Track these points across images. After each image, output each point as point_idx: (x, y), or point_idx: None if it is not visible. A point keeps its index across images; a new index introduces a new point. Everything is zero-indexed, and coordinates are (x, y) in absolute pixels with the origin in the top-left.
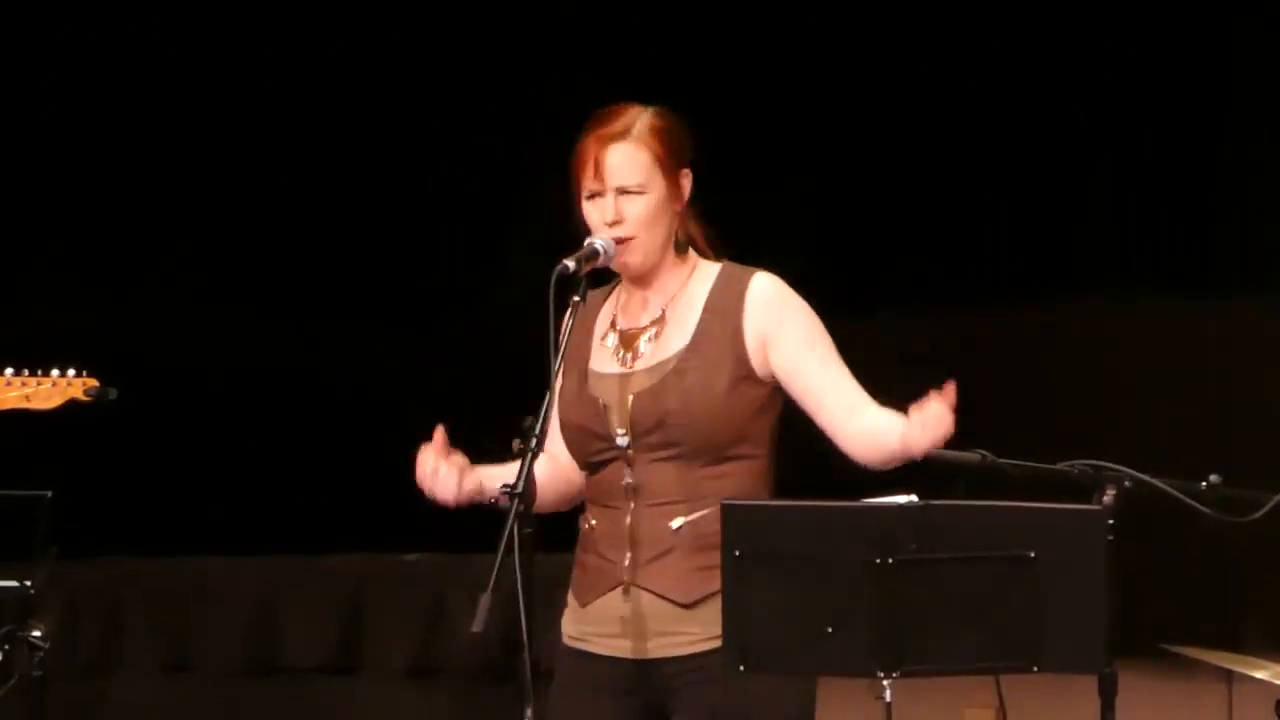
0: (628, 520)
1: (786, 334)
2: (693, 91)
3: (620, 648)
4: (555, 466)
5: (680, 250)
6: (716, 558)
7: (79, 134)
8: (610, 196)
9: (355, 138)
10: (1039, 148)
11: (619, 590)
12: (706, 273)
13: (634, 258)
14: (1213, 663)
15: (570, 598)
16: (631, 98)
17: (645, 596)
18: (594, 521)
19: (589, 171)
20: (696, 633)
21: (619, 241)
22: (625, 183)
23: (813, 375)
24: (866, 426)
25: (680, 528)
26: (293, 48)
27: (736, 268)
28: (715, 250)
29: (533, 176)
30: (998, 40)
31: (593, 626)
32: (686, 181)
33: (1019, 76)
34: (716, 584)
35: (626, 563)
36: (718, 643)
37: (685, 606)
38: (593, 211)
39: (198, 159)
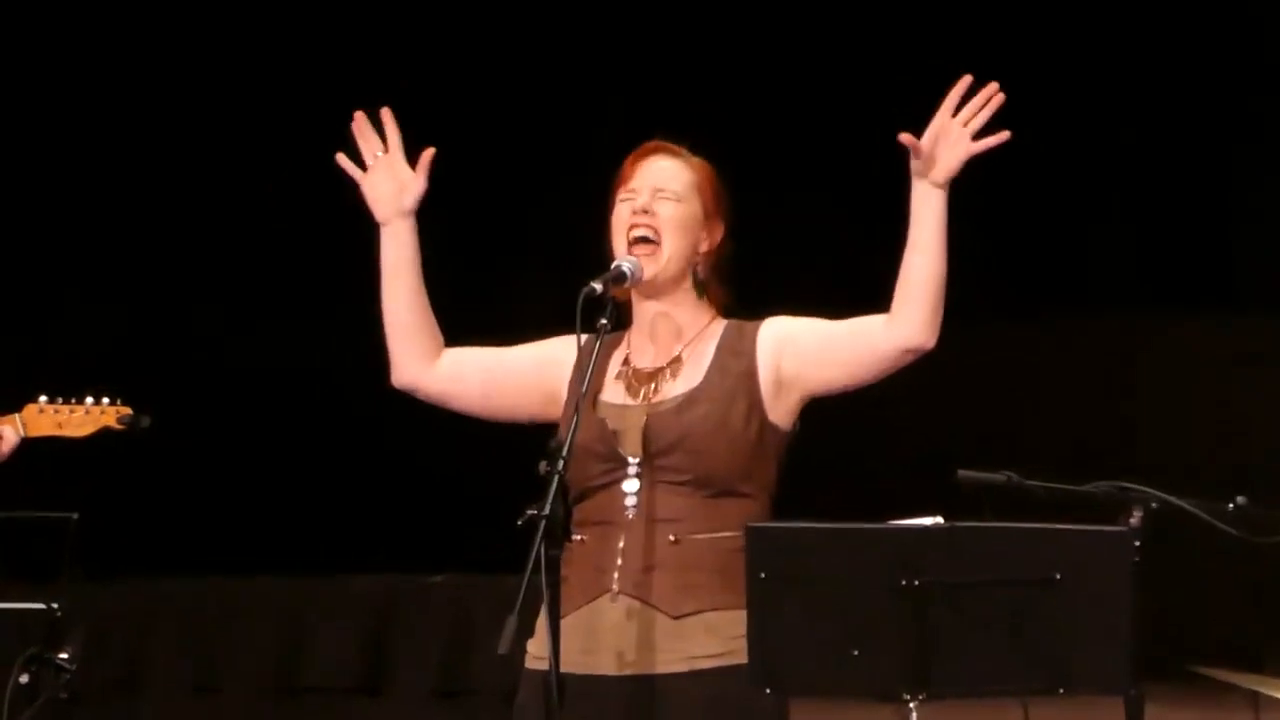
0: (623, 536)
1: (789, 325)
2: (711, 109)
3: (600, 664)
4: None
5: (700, 296)
6: (705, 578)
7: (89, 157)
8: (645, 194)
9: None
10: (1060, 167)
11: (605, 598)
12: (719, 325)
13: (650, 267)
14: (1240, 684)
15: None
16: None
17: (632, 605)
18: (583, 538)
19: (626, 178)
20: (686, 650)
21: (641, 242)
22: (664, 185)
23: (823, 324)
24: (896, 296)
25: (677, 542)
26: (306, 62)
27: (743, 321)
28: (731, 313)
29: (546, 194)
30: (1016, 59)
31: (572, 641)
32: (719, 232)
33: (1040, 95)
34: (707, 602)
35: (617, 573)
36: (710, 662)
37: (674, 619)
38: (622, 212)
39: (218, 182)
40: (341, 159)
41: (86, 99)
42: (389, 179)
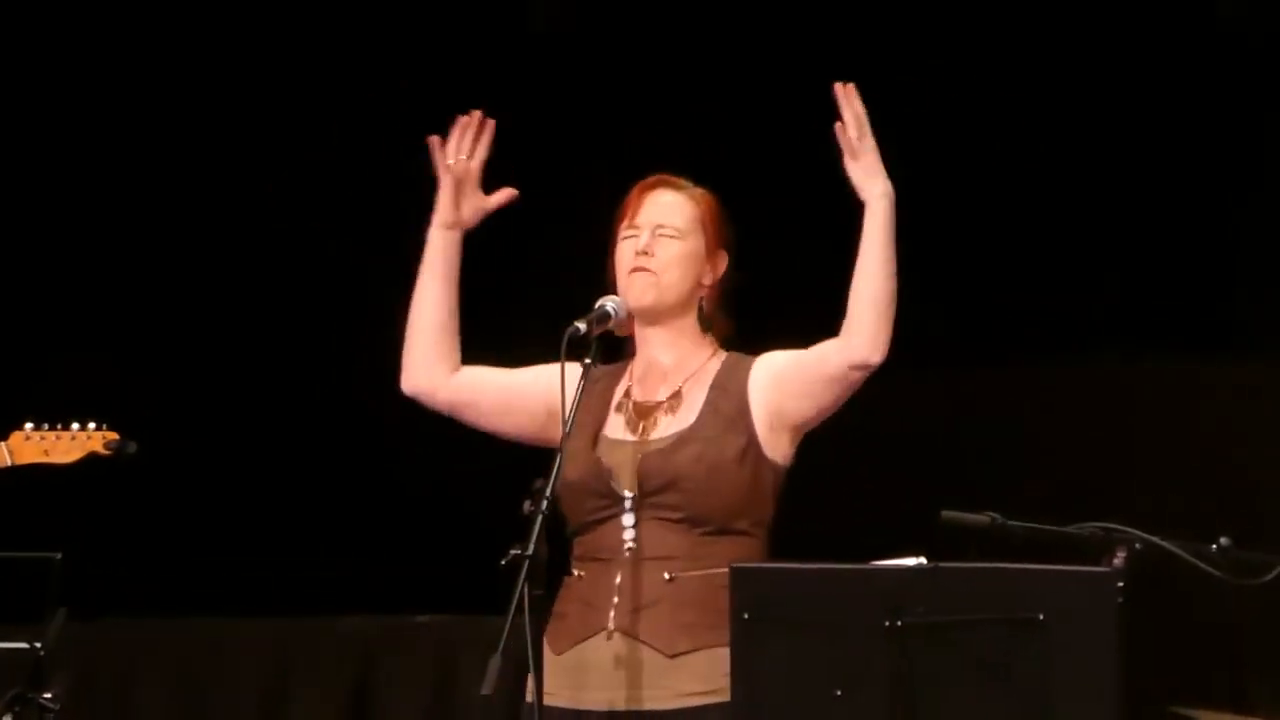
0: (619, 572)
1: (777, 362)
2: (714, 136)
3: (596, 700)
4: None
5: (704, 331)
6: (703, 615)
7: (87, 184)
8: (646, 233)
9: (363, 184)
10: (1054, 205)
11: (601, 635)
12: (719, 359)
13: (647, 296)
14: None
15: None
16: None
17: (628, 643)
18: (581, 573)
19: (629, 213)
20: (678, 687)
21: (637, 270)
22: (664, 222)
23: (798, 354)
24: (848, 314)
25: (672, 580)
26: (303, 88)
27: (741, 355)
28: (731, 345)
29: (542, 232)
30: (1015, 96)
31: (566, 677)
32: (722, 264)
33: (1034, 131)
34: (701, 640)
35: (613, 610)
36: (699, 699)
37: (669, 657)
38: (624, 250)
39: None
40: (434, 143)
41: (81, 102)
42: (467, 189)
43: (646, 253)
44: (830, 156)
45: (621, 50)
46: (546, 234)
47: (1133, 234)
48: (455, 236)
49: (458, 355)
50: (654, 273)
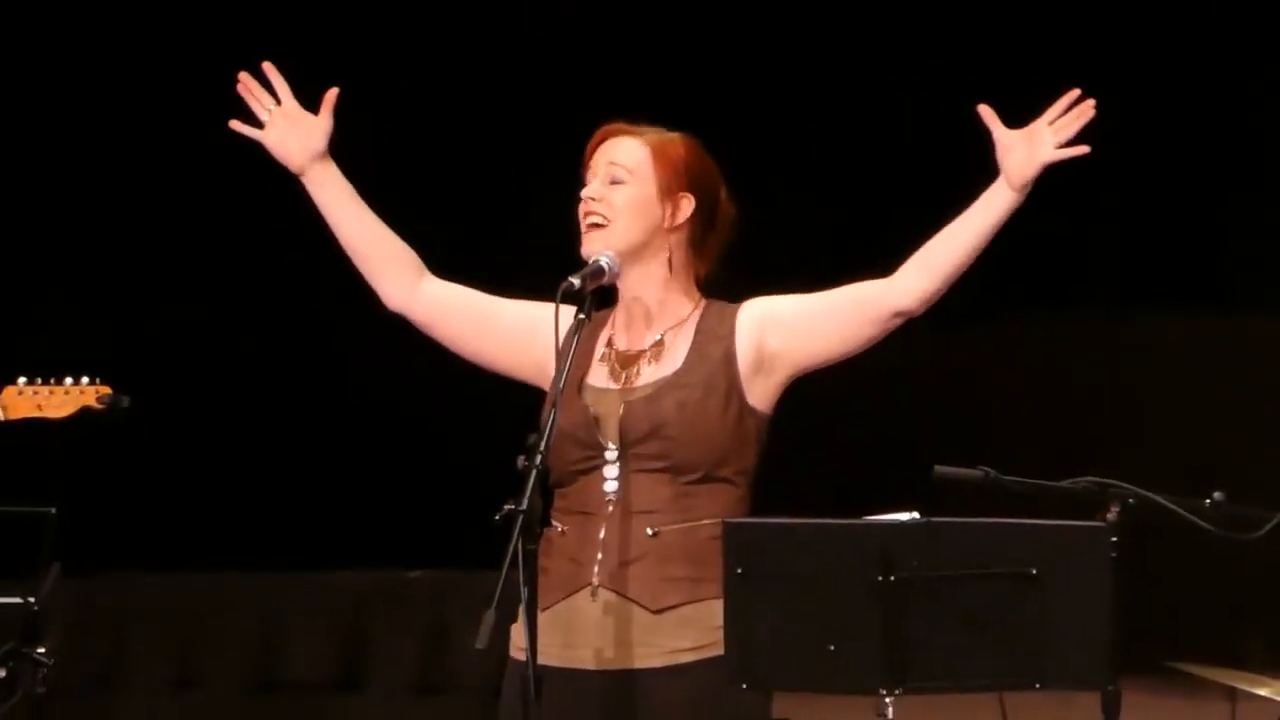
0: (603, 527)
1: (771, 303)
2: (707, 92)
3: (580, 658)
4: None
5: (677, 275)
6: (689, 569)
7: (86, 150)
8: (596, 180)
9: (357, 153)
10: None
11: (585, 592)
12: (702, 306)
13: (595, 244)
14: (1216, 680)
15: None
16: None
17: (612, 600)
18: (563, 528)
19: (586, 160)
20: (665, 644)
21: (593, 227)
22: (614, 168)
23: (811, 296)
24: (912, 260)
25: (657, 534)
26: (297, 54)
27: (724, 303)
28: (715, 291)
29: (538, 187)
30: (1007, 53)
31: (551, 634)
32: (686, 205)
33: (1026, 86)
34: (687, 594)
35: (596, 566)
36: (688, 655)
37: (653, 613)
38: (583, 198)
39: (205, 171)
40: (236, 125)
41: (76, 96)
42: (292, 129)
43: (593, 198)
44: (826, 152)
45: (621, 50)
46: (547, 234)
47: (1128, 190)
48: (319, 173)
49: (407, 265)
50: (604, 223)
